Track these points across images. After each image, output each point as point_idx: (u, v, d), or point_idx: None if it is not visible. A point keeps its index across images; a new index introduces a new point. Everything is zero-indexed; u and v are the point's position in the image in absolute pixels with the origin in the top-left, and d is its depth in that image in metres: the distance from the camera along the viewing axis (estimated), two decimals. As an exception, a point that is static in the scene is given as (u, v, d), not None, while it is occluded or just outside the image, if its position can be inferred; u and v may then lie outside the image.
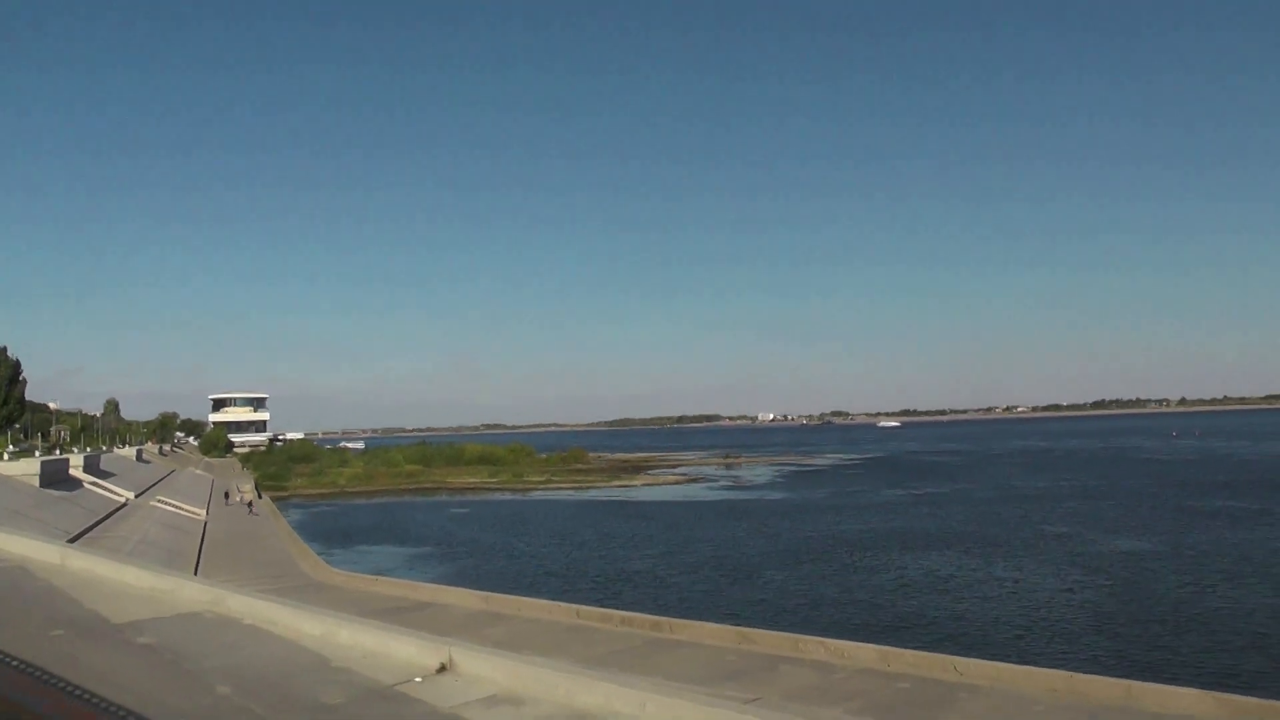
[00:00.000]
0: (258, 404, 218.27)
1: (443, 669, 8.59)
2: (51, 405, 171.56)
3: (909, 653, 22.22)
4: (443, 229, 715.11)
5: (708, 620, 25.48)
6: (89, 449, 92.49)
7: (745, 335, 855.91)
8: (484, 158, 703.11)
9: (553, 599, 32.13)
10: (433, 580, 42.77)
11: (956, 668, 21.39)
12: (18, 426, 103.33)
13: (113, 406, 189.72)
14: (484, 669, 8.49)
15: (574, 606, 27.25)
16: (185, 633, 11.47)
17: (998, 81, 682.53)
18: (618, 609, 27.77)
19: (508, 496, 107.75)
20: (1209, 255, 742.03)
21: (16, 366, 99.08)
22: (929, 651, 22.42)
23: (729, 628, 24.47)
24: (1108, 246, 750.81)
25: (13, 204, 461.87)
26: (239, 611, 12.53)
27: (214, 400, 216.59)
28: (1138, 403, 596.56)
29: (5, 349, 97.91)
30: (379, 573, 45.09)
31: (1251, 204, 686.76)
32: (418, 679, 8.33)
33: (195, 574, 34.82)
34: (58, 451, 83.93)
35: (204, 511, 66.14)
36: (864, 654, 22.47)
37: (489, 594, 29.87)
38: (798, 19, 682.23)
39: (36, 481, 52.17)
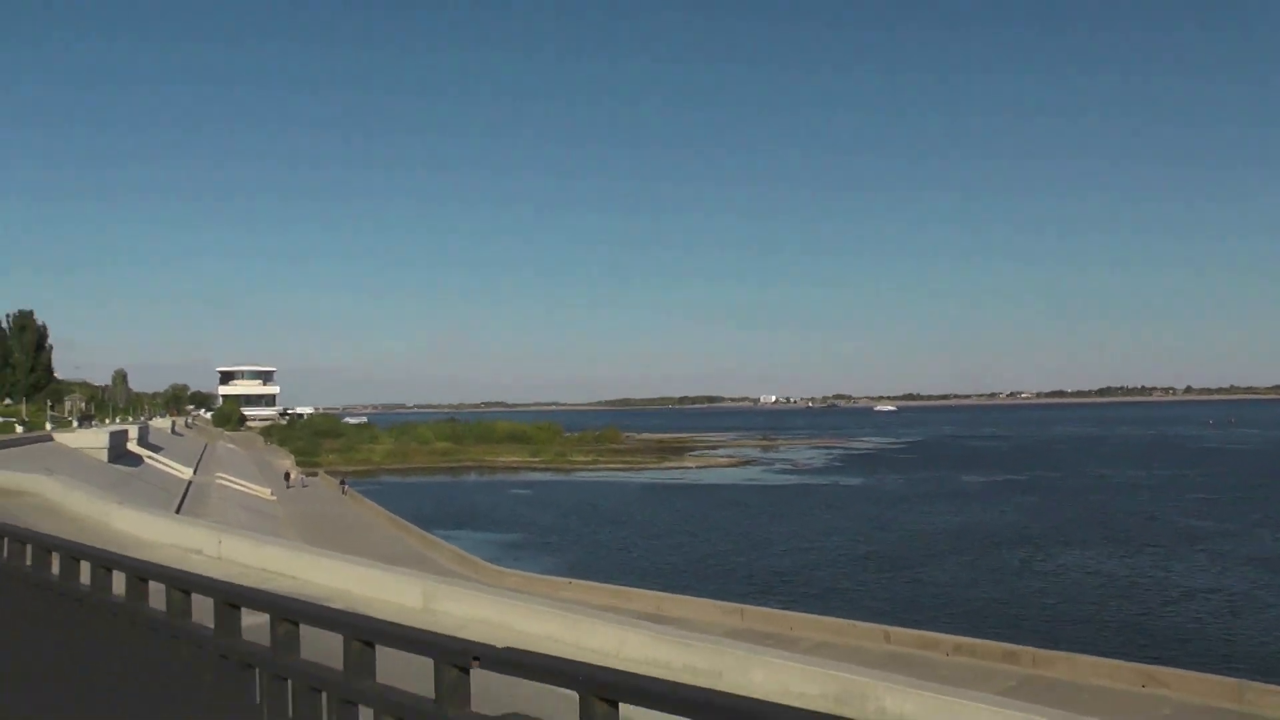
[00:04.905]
0: (266, 377, 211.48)
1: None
2: (56, 375, 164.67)
3: None
4: (443, 210, 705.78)
5: (1080, 651, 19.99)
6: (117, 420, 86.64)
7: (743, 318, 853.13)
8: (485, 141, 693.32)
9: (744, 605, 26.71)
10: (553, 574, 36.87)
11: None
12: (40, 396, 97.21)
13: (121, 378, 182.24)
14: None
15: (880, 628, 21.74)
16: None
17: (1000, 73, 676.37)
18: (914, 627, 22.18)
19: (551, 477, 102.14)
20: (1215, 246, 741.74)
21: (43, 332, 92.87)
22: None
23: (1121, 664, 19.07)
24: (1111, 237, 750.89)
25: (10, 175, 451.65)
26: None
27: (221, 373, 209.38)
28: (1143, 390, 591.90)
29: (32, 313, 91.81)
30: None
31: (1255, 200, 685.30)
32: None
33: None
34: (84, 424, 77.99)
35: (268, 491, 60.46)
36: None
37: (743, 606, 24.25)
38: (800, 11, 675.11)
39: (105, 455, 46.49)
